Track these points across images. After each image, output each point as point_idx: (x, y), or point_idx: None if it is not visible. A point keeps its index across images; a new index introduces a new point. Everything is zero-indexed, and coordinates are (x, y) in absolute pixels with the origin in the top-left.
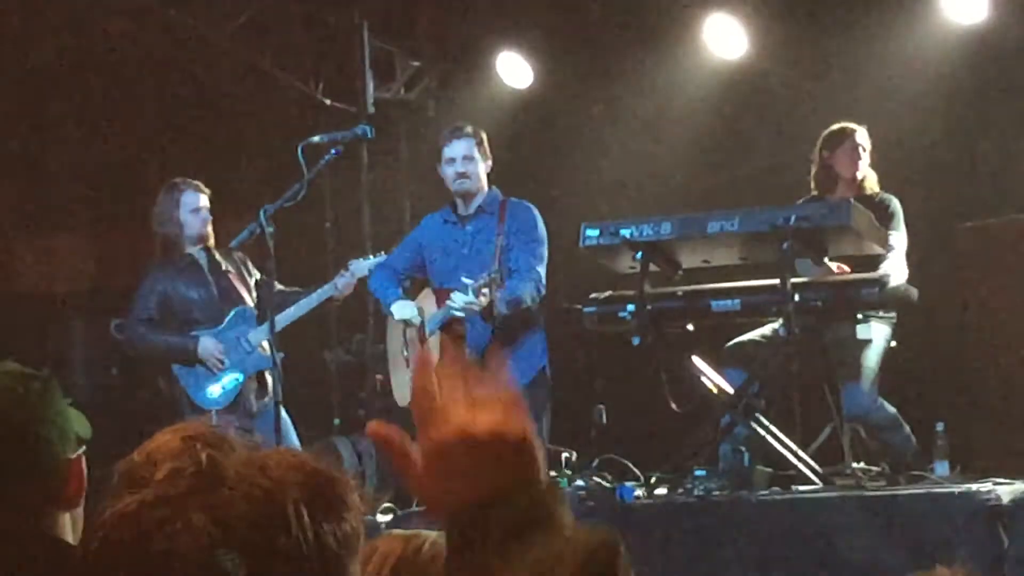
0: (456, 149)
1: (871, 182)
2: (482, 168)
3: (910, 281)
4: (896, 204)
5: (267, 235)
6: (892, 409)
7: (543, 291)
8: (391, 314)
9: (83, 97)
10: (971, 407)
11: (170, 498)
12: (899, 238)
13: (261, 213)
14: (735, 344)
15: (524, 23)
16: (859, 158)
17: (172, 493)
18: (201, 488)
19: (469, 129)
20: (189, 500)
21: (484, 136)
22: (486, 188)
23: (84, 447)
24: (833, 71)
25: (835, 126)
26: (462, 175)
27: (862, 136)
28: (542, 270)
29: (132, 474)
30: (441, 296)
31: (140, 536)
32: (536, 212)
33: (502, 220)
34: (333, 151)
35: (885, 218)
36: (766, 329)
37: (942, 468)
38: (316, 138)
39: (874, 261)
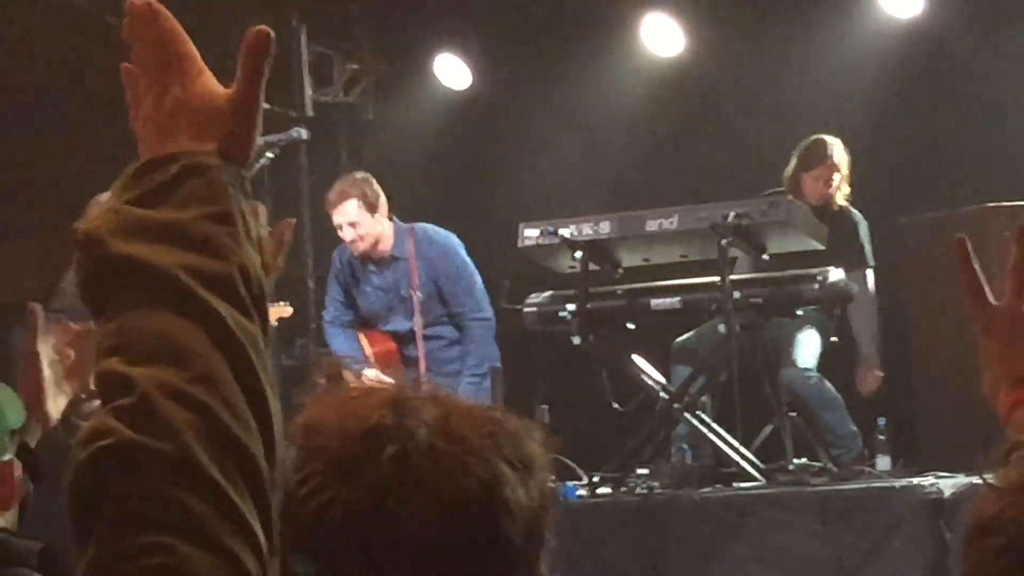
0: (340, 217)
1: (841, 196)
2: (373, 223)
3: None
4: (864, 226)
5: None
6: (836, 393)
7: (492, 318)
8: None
9: (28, 103)
10: (914, 401)
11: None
12: (870, 258)
13: None
14: (682, 341)
15: (461, 25)
16: (828, 187)
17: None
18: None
19: (345, 188)
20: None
21: (366, 187)
22: (389, 235)
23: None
24: (770, 67)
25: (812, 141)
26: (354, 242)
27: (838, 157)
28: (484, 300)
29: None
30: (375, 339)
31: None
32: (448, 241)
33: (415, 262)
34: (268, 154)
35: (849, 234)
36: (707, 326)
37: (884, 462)
38: None
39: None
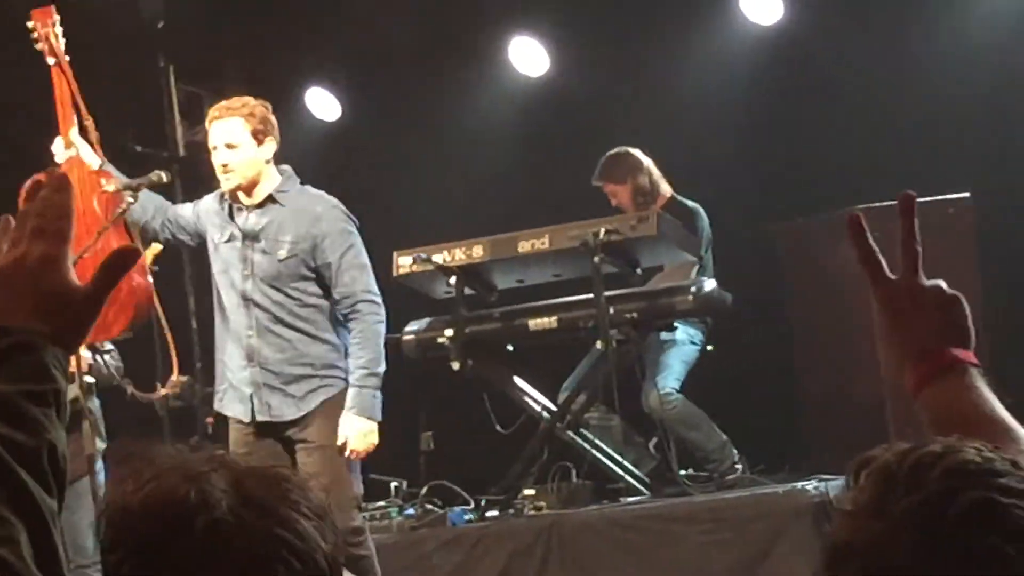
0: (216, 135)
1: (665, 187)
2: (254, 154)
3: (726, 283)
4: (701, 214)
5: None
6: (696, 409)
7: (379, 301)
8: None
9: None
10: (797, 405)
11: None
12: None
13: None
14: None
15: (328, 56)
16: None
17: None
18: None
19: (238, 104)
20: None
21: (263, 111)
22: (271, 176)
23: None
24: (636, 81)
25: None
26: (224, 168)
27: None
28: (371, 281)
29: None
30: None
31: None
32: (340, 205)
33: (292, 216)
34: (128, 198)
35: (691, 226)
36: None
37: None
38: (110, 187)
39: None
